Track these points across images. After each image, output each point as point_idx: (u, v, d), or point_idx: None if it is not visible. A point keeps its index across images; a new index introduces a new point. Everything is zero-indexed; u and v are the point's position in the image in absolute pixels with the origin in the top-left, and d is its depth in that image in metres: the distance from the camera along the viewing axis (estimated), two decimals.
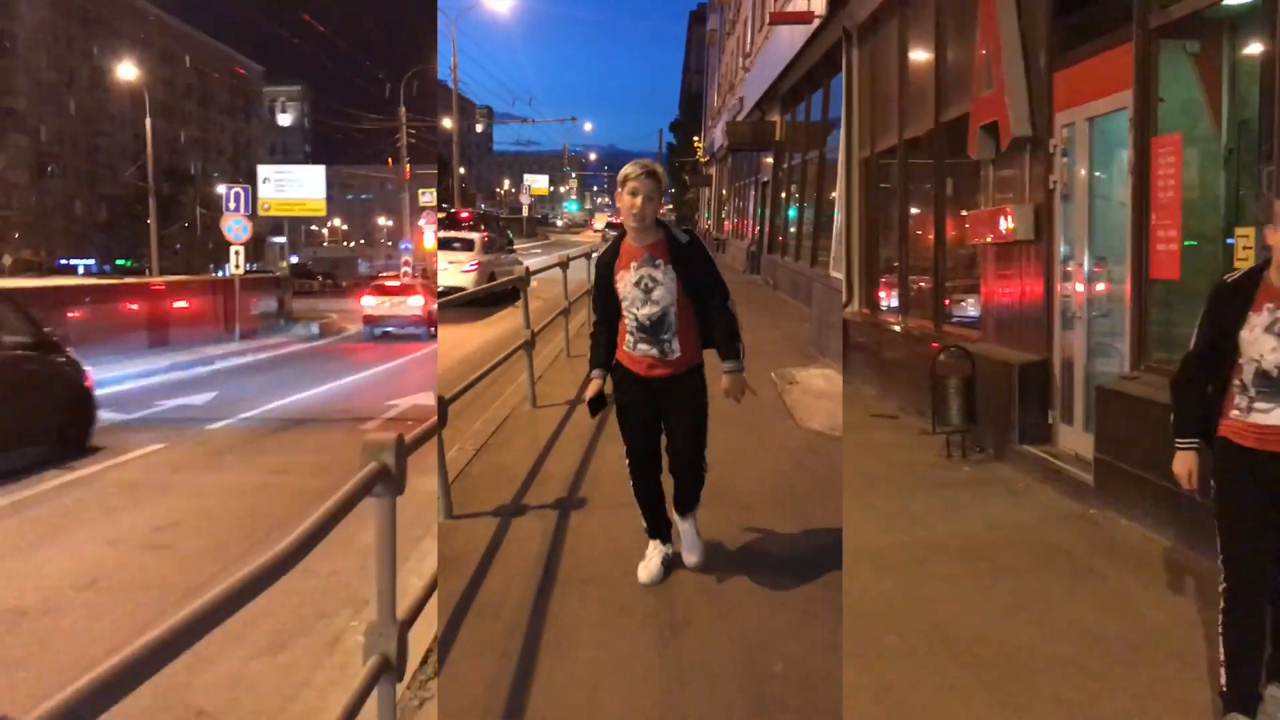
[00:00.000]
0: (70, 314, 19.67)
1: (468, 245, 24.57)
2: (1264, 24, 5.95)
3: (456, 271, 23.02)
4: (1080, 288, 7.77)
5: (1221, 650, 3.68)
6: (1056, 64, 8.01)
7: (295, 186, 33.49)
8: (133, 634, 1.63)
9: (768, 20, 22.22)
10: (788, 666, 4.01)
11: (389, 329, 26.06)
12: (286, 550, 2.32)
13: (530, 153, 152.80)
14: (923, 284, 11.82)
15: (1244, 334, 3.67)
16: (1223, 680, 3.66)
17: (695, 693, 3.83)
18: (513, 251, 30.37)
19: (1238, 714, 3.59)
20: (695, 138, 64.40)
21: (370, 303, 26.78)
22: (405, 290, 27.15)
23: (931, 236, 11.33)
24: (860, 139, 14.11)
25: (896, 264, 12.82)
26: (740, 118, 31.80)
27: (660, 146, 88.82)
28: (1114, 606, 5.01)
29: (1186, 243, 6.52)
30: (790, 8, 18.89)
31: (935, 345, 9.53)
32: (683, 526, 5.02)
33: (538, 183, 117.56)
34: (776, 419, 8.71)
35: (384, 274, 36.71)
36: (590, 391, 4.86)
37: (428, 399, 14.24)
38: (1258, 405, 3.66)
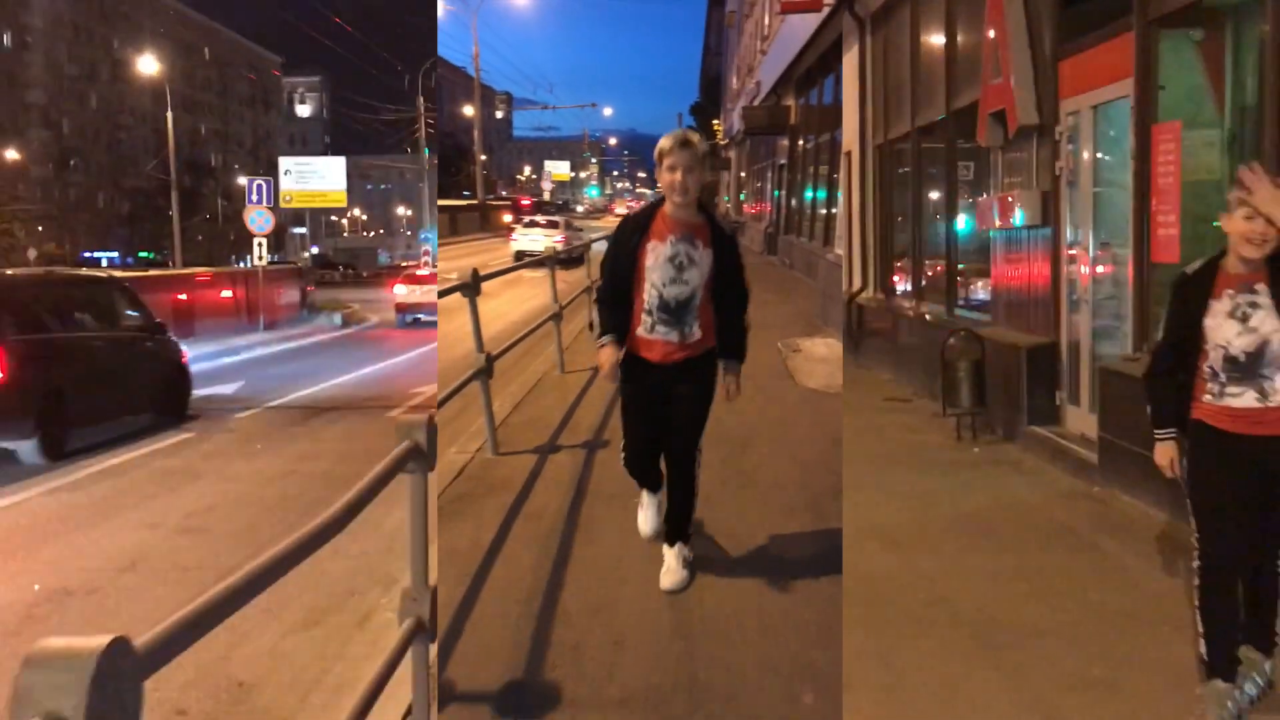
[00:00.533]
0: None
1: (555, 225, 35.39)
2: (1264, 13, 6.10)
3: (551, 240, 29.14)
4: (1086, 271, 7.96)
5: (1199, 623, 3.86)
6: (1062, 53, 8.19)
7: (316, 178, 33.84)
8: (174, 613, 1.81)
9: (779, 8, 22.73)
10: (773, 549, 5.13)
11: (420, 315, 27.70)
12: (330, 519, 2.55)
13: (550, 138, 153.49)
14: (936, 269, 12.01)
15: (1208, 321, 3.81)
16: (1202, 650, 3.84)
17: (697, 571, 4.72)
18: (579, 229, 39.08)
19: (1218, 681, 3.78)
20: (715, 121, 64.20)
21: (402, 291, 28.84)
22: (434, 279, 28.98)
23: (943, 222, 11.51)
24: (874, 125, 14.27)
25: (910, 249, 13.00)
26: (757, 102, 32.50)
27: (680, 129, 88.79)
28: (1111, 578, 5.24)
29: (1196, 227, 6.68)
30: None
31: (950, 331, 9.72)
32: (668, 554, 4.72)
33: (559, 169, 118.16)
34: (777, 379, 9.78)
35: (413, 264, 39.07)
36: (606, 361, 4.54)
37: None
38: (1229, 390, 3.81)
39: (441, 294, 9.57)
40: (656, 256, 4.44)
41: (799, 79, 24.48)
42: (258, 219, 25.91)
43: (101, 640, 1.31)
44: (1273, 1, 5.75)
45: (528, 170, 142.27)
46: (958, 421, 8.93)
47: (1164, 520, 6.13)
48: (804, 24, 20.52)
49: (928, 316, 11.46)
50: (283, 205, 32.59)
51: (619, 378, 4.60)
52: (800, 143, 25.40)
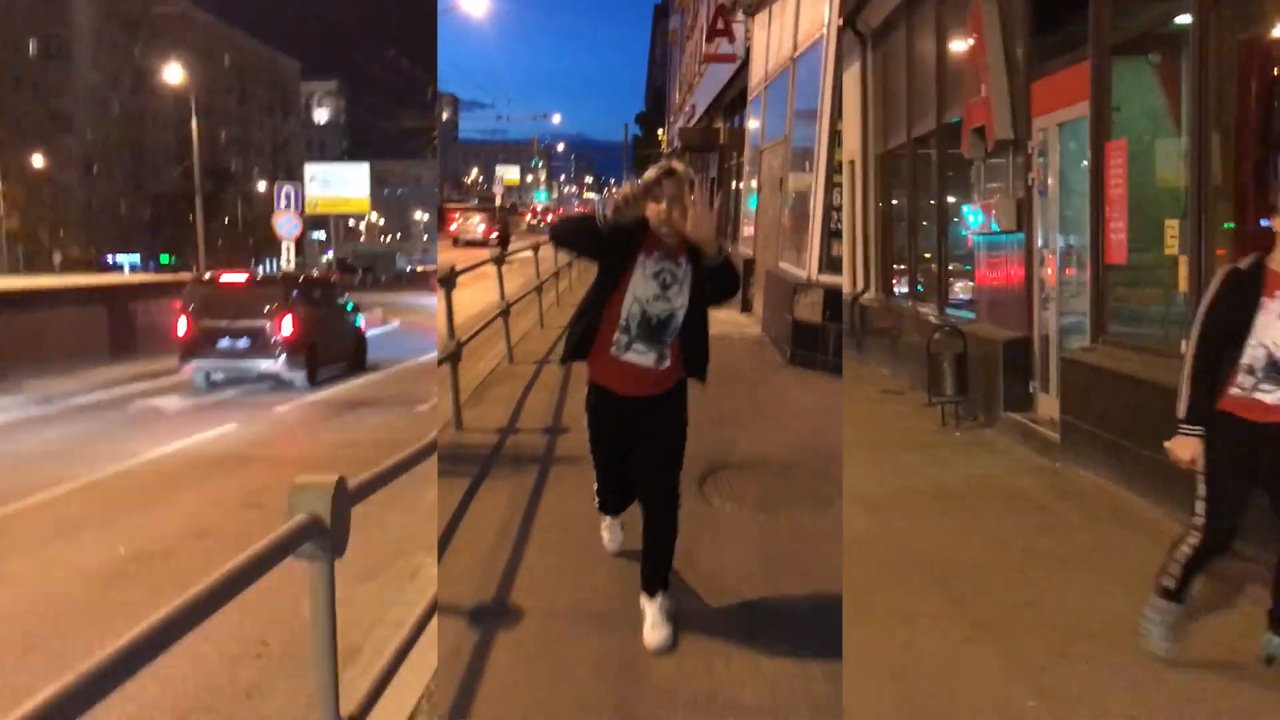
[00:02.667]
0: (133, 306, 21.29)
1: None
2: (1196, 42, 6.92)
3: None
4: (1053, 272, 8.82)
5: (1178, 568, 4.21)
6: (1033, 75, 9.04)
7: (340, 184, 34.85)
8: None
9: (703, 56, 27.81)
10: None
11: None
12: (405, 458, 3.43)
13: (497, 141, 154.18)
14: (929, 271, 12.86)
15: (1259, 319, 3.93)
16: (1173, 582, 4.23)
17: None
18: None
19: (1175, 603, 4.25)
20: (660, 130, 65.86)
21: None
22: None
23: (935, 228, 12.37)
24: (875, 135, 15.13)
25: (907, 253, 13.85)
26: (693, 122, 36.36)
27: (626, 138, 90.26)
28: (1053, 532, 6.12)
29: (1156, 230, 7.48)
30: (720, 51, 24.17)
31: (935, 326, 10.57)
32: (649, 607, 4.40)
33: (510, 173, 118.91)
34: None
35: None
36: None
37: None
38: (1262, 386, 3.96)
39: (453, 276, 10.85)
40: (643, 273, 4.30)
41: (726, 106, 28.21)
42: (285, 224, 26.89)
43: (334, 477, 2.23)
44: (1197, 34, 6.57)
45: (475, 172, 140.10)
46: (942, 409, 9.80)
47: (1110, 488, 6.99)
48: (726, 67, 24.72)
49: (932, 318, 12.30)
50: (308, 211, 33.64)
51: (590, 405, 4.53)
52: (729, 159, 28.39)
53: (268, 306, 16.18)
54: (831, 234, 11.86)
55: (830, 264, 12.10)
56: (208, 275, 18.44)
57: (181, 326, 16.17)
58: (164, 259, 76.91)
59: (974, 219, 10.38)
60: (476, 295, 15.24)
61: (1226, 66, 6.47)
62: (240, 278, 17.65)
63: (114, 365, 18.39)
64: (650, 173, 4.34)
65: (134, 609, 5.98)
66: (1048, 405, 8.79)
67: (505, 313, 11.83)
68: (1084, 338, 8.41)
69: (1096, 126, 7.78)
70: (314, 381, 16.39)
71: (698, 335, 4.43)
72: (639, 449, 4.43)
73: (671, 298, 4.30)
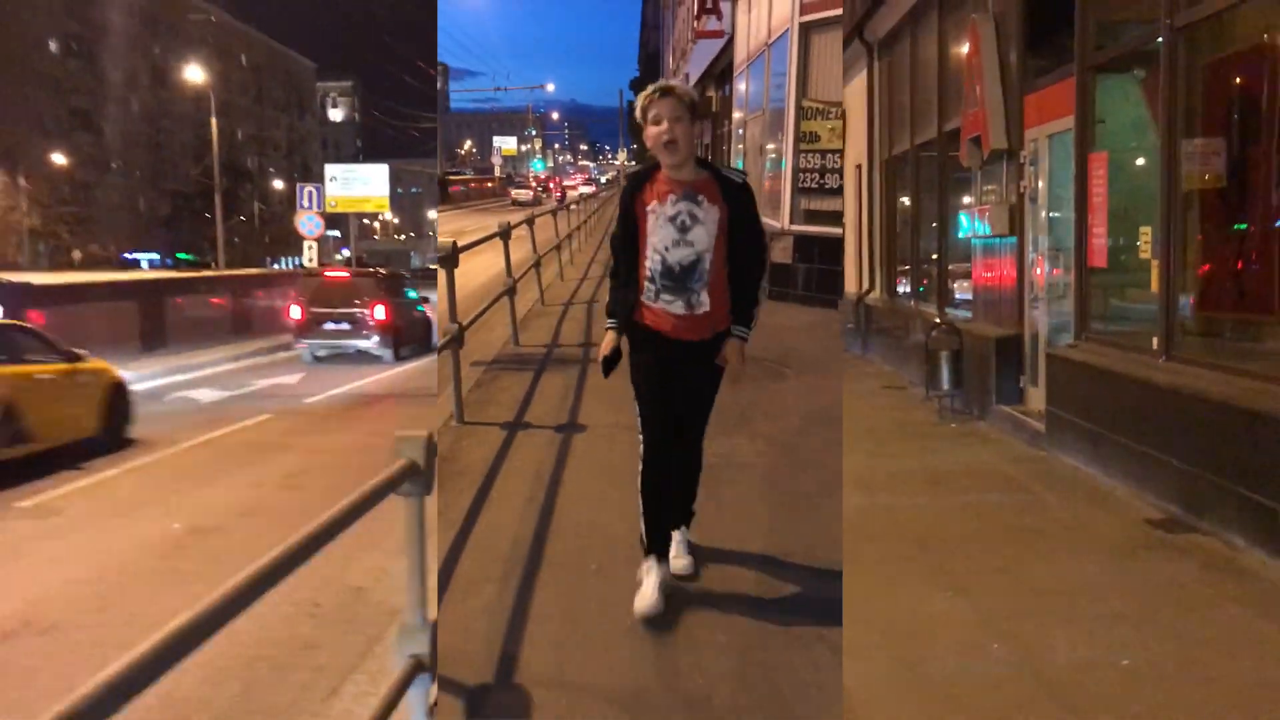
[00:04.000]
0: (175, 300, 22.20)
1: (593, 182, 62.09)
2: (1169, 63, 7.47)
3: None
4: (1041, 274, 9.40)
5: None
6: (1026, 88, 9.61)
7: (360, 184, 35.43)
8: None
9: (693, 31, 29.65)
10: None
11: None
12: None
13: (490, 110, 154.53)
14: (930, 273, 13.44)
15: None
16: None
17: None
18: None
19: None
20: None
21: None
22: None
23: (937, 231, 12.96)
24: (881, 142, 15.71)
25: (911, 255, 14.44)
26: None
27: (621, 104, 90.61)
28: (1031, 509, 6.71)
29: (1136, 233, 8.05)
30: (709, 28, 26.34)
31: (932, 324, 11.15)
32: (675, 534, 4.51)
33: (507, 144, 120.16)
34: None
35: None
36: (605, 348, 4.26)
37: None
38: None
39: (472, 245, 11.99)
40: (657, 219, 4.08)
41: (717, 75, 30.26)
42: (308, 223, 27.56)
43: (424, 431, 2.85)
44: (1168, 56, 7.14)
45: (468, 144, 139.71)
46: (939, 403, 10.39)
47: (1088, 473, 7.58)
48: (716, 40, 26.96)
49: (936, 319, 12.83)
50: (328, 210, 34.18)
51: (614, 362, 4.31)
52: (720, 126, 30.40)
53: (363, 297, 19.93)
54: (800, 191, 14.90)
55: (800, 216, 15.00)
56: (316, 268, 22.49)
57: (295, 312, 20.25)
58: (181, 256, 77.62)
59: (970, 223, 10.96)
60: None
61: (1195, 86, 7.04)
62: (343, 273, 22.41)
63: (146, 359, 19.08)
64: (643, 94, 4.10)
65: (195, 575, 6.76)
66: (1037, 398, 9.35)
67: (537, 264, 14.98)
68: (1070, 335, 8.99)
69: (1081, 139, 8.35)
70: (399, 357, 20.19)
71: (741, 277, 4.20)
72: (677, 387, 4.25)
73: (694, 240, 4.07)
